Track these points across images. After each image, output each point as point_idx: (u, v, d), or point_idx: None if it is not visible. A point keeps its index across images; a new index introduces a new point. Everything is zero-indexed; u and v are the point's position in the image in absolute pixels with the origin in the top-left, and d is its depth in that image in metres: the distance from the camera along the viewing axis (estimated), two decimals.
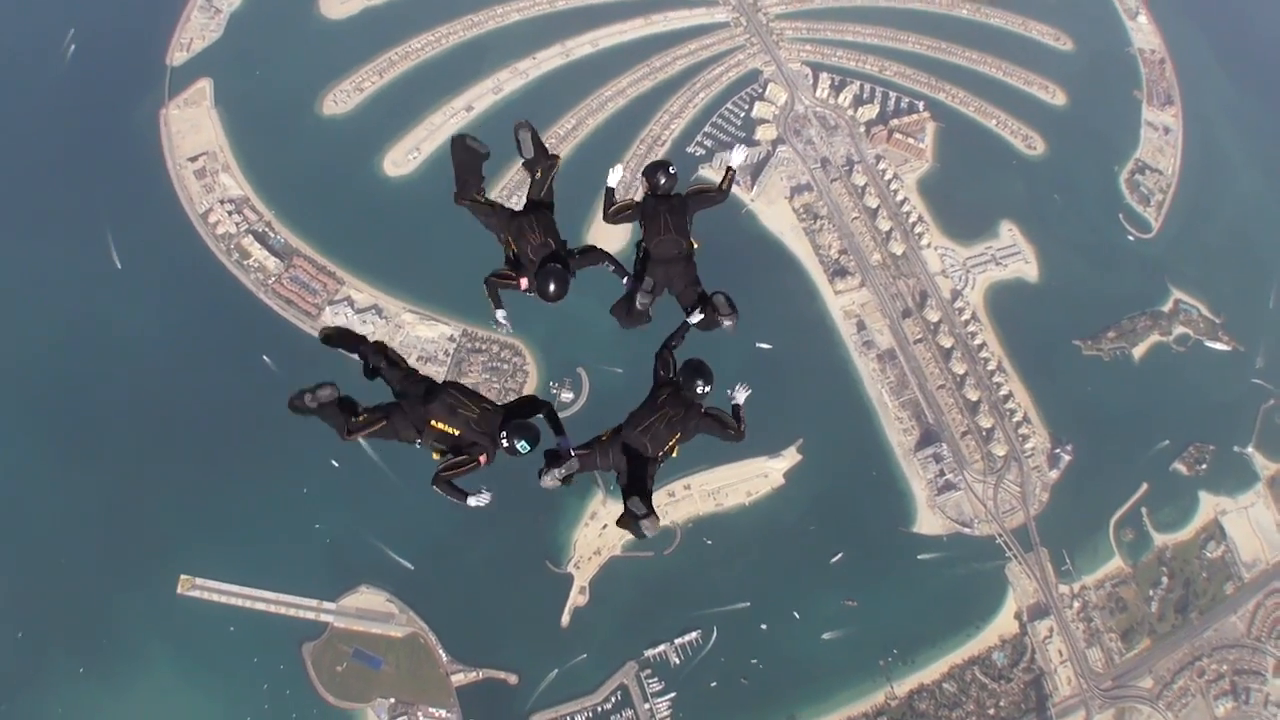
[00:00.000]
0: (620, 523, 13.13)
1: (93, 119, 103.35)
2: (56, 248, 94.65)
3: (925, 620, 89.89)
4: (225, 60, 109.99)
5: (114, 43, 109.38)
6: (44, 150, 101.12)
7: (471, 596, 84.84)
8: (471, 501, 12.90)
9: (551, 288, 13.63)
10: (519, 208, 15.40)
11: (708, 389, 13.53)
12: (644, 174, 15.53)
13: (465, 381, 72.74)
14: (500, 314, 14.87)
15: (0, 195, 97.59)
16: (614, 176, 15.98)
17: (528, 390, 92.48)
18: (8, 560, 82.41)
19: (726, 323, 14.42)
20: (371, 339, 14.05)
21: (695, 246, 15.43)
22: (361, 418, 13.07)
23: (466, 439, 12.93)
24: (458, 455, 12.91)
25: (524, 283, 14.09)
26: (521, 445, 12.58)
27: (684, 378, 13.69)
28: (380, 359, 13.65)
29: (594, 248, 14.88)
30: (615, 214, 15.45)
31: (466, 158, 15.40)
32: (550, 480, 13.00)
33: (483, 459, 12.83)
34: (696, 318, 14.83)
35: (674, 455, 13.75)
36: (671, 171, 15.23)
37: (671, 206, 15.08)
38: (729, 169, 16.37)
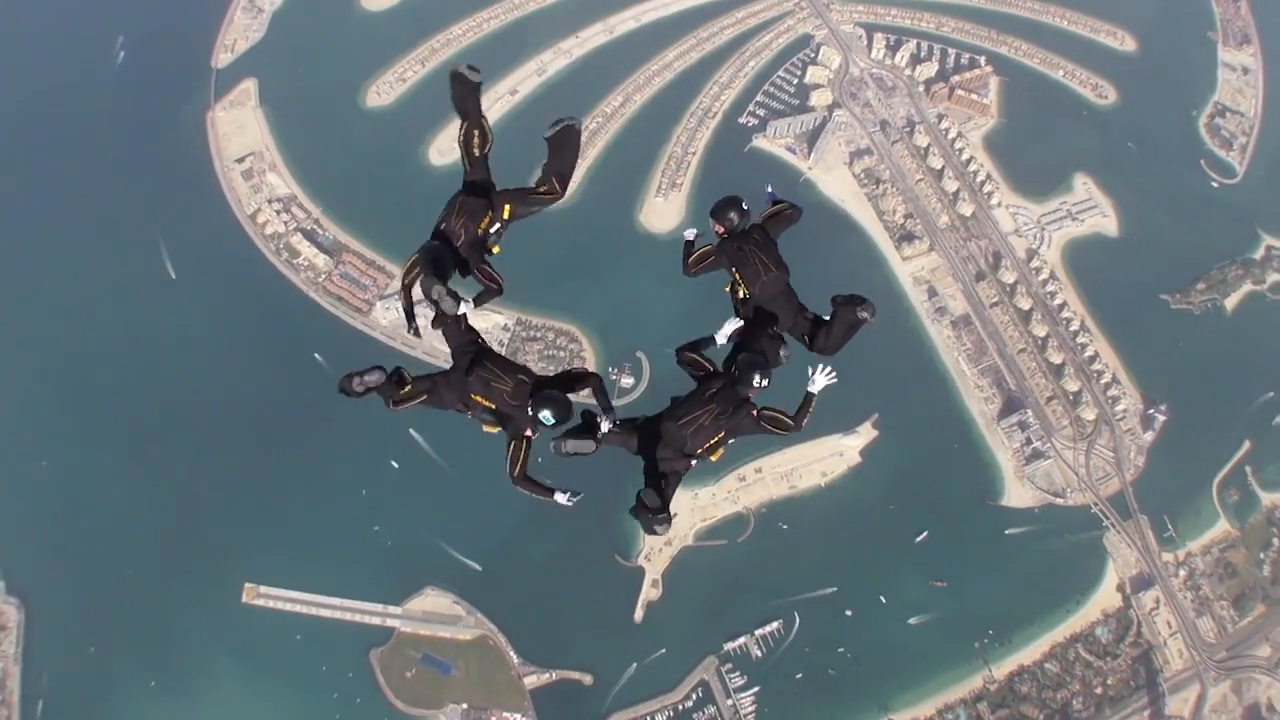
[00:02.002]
0: (632, 511, 12.15)
1: (142, 125, 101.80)
2: (112, 259, 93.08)
3: (1021, 598, 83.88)
4: (269, 59, 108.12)
5: (161, 48, 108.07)
6: (96, 160, 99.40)
7: (540, 595, 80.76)
8: (559, 499, 12.46)
9: (547, 414, 11.80)
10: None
11: (765, 383, 12.22)
12: (712, 216, 13.60)
13: None
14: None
15: (56, 205, 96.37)
16: (690, 233, 14.22)
17: None
18: (76, 574, 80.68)
19: (864, 314, 12.93)
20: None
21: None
22: (406, 389, 12.44)
23: (503, 412, 12.17)
24: (505, 427, 12.27)
25: (529, 431, 12.42)
26: (545, 416, 11.65)
27: (740, 371, 12.33)
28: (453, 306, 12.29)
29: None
30: (697, 265, 13.81)
31: (460, 90, 13.30)
32: (566, 449, 11.93)
33: (528, 432, 12.10)
34: (729, 330, 13.55)
35: (714, 459, 12.71)
36: (744, 208, 13.43)
37: (757, 242, 13.47)
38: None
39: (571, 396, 12.05)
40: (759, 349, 12.79)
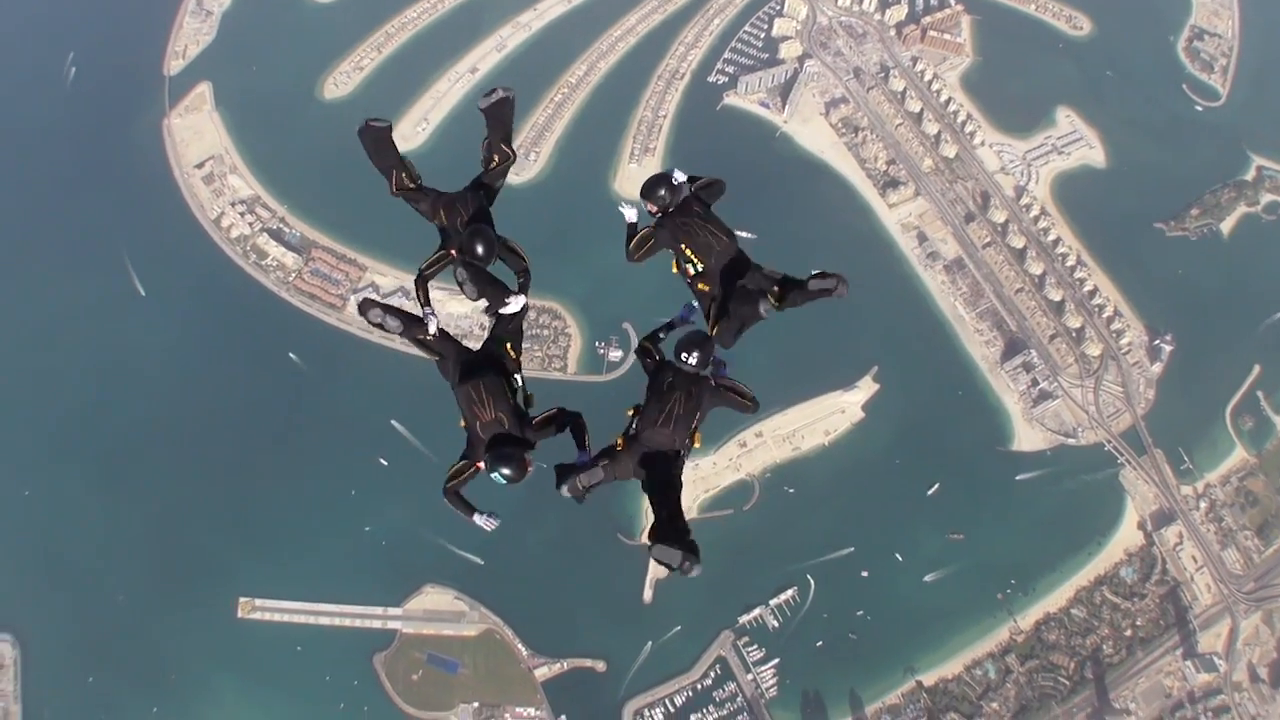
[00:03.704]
0: (661, 560, 10.73)
1: (98, 141, 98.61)
2: (80, 281, 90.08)
3: (1040, 544, 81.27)
4: (222, 61, 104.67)
5: (111, 61, 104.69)
6: (55, 182, 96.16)
7: (544, 583, 77.76)
8: (478, 520, 11.83)
9: (479, 248, 12.02)
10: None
11: (693, 359, 11.59)
12: (643, 197, 12.65)
13: None
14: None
15: (18, 231, 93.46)
16: (630, 213, 13.16)
17: (572, 354, 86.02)
18: (67, 604, 77.65)
19: (837, 290, 11.79)
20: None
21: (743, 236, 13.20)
22: (428, 337, 12.09)
23: (471, 433, 11.63)
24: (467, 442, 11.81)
25: (481, 465, 11.62)
26: (497, 476, 11.04)
27: (676, 350, 11.78)
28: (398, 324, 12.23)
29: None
30: (639, 250, 12.95)
31: (373, 143, 13.44)
32: (581, 483, 11.19)
33: (480, 465, 11.42)
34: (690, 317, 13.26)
35: (697, 445, 11.98)
36: (675, 183, 12.49)
37: (699, 214, 12.65)
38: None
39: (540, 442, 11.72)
40: (741, 314, 12.57)
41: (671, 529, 11.05)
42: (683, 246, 12.63)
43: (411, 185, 13.36)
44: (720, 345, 12.75)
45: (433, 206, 13.12)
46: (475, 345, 12.31)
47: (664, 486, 11.54)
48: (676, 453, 11.82)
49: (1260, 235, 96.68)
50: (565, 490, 11.21)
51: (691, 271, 12.73)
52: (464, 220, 12.70)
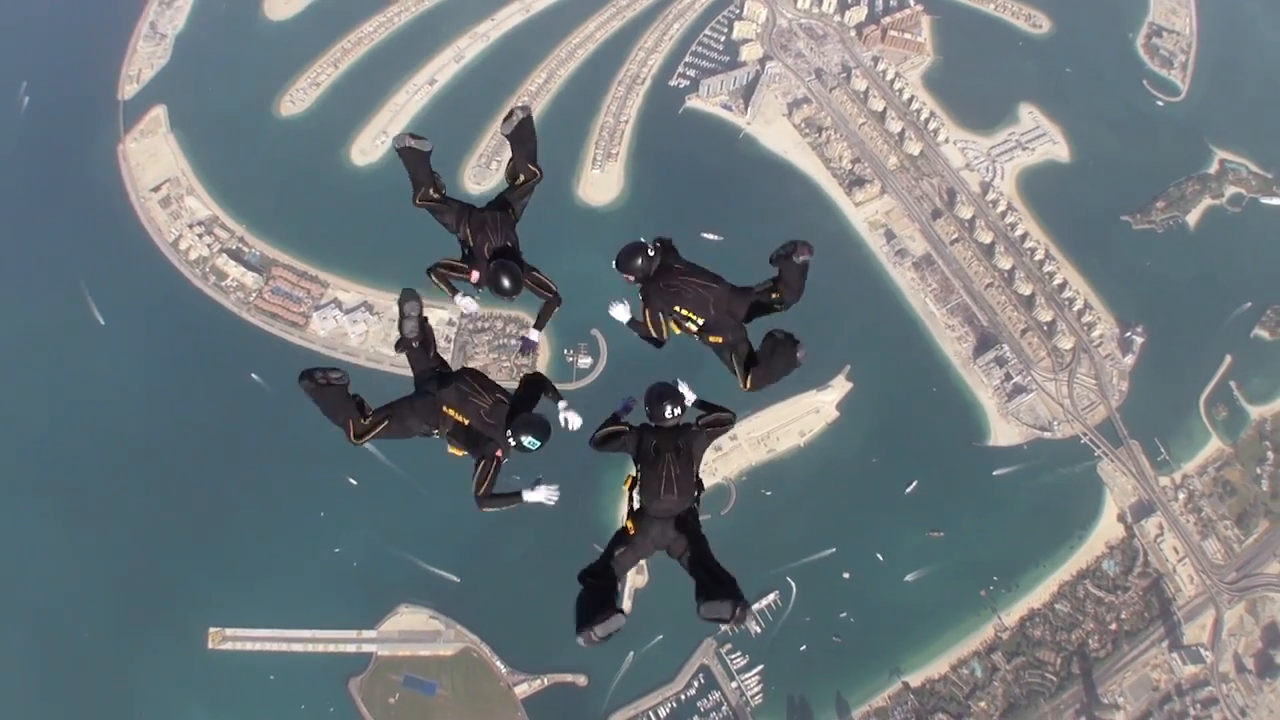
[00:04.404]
0: (712, 619, 10.86)
1: (53, 169, 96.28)
2: (38, 311, 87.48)
3: (1021, 539, 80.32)
4: (176, 83, 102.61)
5: (65, 88, 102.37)
6: (8, 209, 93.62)
7: (520, 597, 75.19)
8: (529, 497, 11.77)
9: (506, 282, 12.32)
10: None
11: (678, 410, 11.72)
12: (620, 269, 12.39)
13: (474, 365, 62.22)
14: (461, 299, 13.53)
15: None
16: (622, 312, 12.75)
17: (541, 363, 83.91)
18: (31, 644, 74.42)
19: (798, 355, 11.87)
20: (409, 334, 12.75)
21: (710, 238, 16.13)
22: (367, 420, 12.00)
23: (476, 429, 11.94)
24: (472, 451, 11.98)
25: (475, 275, 12.79)
26: (529, 442, 11.42)
27: (650, 406, 11.83)
28: (418, 334, 12.58)
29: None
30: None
31: (412, 158, 13.39)
32: (597, 635, 10.55)
33: (499, 454, 11.77)
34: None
35: (704, 489, 11.89)
36: (650, 251, 12.30)
37: (682, 270, 12.46)
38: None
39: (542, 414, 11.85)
40: (778, 366, 12.06)
41: (714, 584, 11.05)
42: (677, 308, 12.38)
43: (436, 197, 13.34)
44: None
45: (458, 220, 13.15)
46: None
47: (693, 546, 11.50)
48: (694, 504, 11.70)
49: (1225, 227, 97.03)
50: (581, 641, 10.79)
51: (694, 329, 12.45)
52: (491, 246, 12.82)
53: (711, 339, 12.47)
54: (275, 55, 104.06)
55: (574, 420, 12.32)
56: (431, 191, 13.25)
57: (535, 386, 12.61)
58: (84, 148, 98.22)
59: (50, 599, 75.58)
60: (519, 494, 11.71)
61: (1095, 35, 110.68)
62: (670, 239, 12.79)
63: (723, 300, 12.27)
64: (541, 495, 11.70)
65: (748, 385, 12.35)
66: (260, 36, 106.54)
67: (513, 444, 11.61)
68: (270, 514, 78.46)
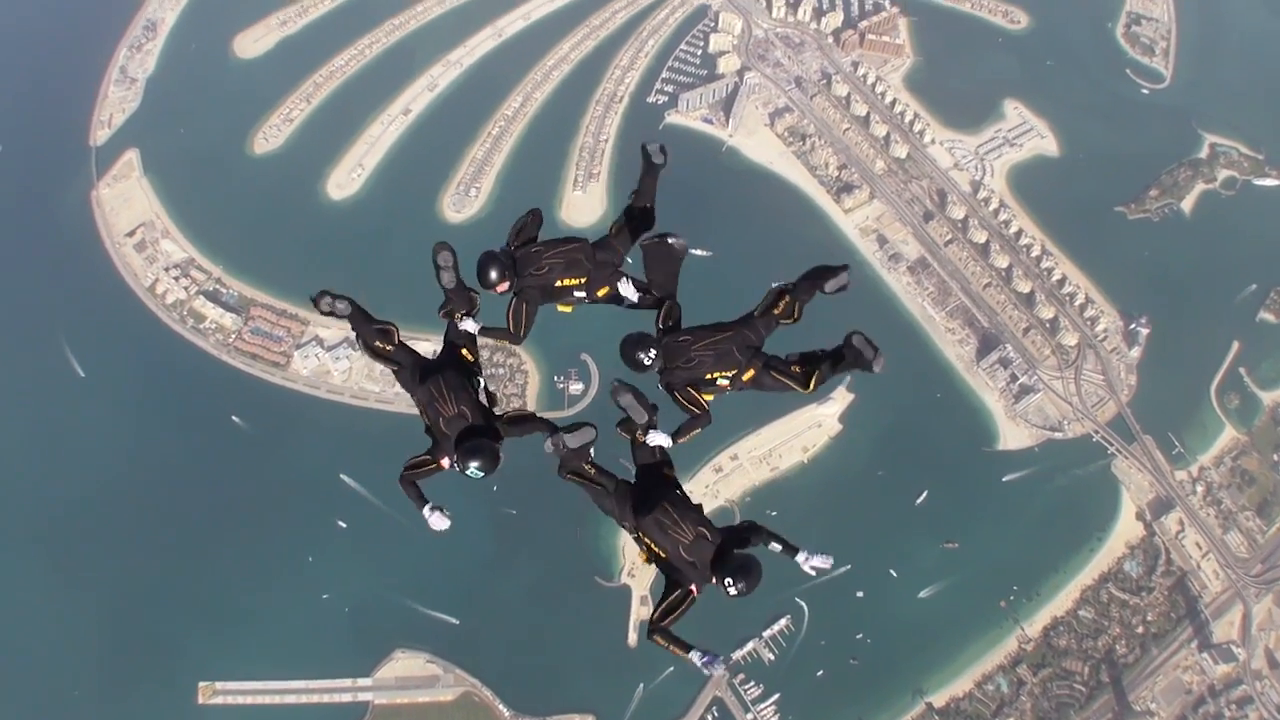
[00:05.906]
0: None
1: (25, 219, 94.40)
2: (16, 365, 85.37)
3: (1038, 545, 77.83)
4: (148, 127, 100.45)
5: (36, 136, 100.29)
6: None
7: (521, 636, 73.22)
8: (427, 514, 10.59)
9: (475, 466, 10.10)
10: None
11: (653, 352, 10.64)
12: (630, 366, 10.86)
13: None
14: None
15: None
16: (663, 439, 10.98)
17: (531, 390, 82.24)
18: (18, 704, 71.92)
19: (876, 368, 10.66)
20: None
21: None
22: (383, 345, 11.05)
23: (434, 431, 10.87)
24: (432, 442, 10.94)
25: (445, 462, 10.64)
26: (471, 471, 10.08)
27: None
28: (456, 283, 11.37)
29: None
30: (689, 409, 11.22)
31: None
32: (569, 443, 10.11)
33: (444, 462, 10.54)
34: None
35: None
36: (652, 349, 10.74)
37: (691, 340, 11.13)
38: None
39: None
40: (854, 359, 10.65)
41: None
42: (707, 377, 11.28)
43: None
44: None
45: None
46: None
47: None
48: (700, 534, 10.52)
49: (1222, 211, 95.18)
50: (549, 447, 10.29)
51: (726, 383, 11.24)
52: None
53: (745, 379, 11.36)
54: (247, 94, 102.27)
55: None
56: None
57: (533, 425, 11.07)
58: (57, 196, 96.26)
59: (36, 657, 72.88)
60: (423, 504, 10.65)
61: (1074, 27, 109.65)
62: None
63: (740, 340, 11.22)
64: (431, 518, 10.57)
65: (810, 388, 11.28)
66: (231, 76, 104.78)
67: (456, 467, 10.43)
68: (258, 561, 75.84)
